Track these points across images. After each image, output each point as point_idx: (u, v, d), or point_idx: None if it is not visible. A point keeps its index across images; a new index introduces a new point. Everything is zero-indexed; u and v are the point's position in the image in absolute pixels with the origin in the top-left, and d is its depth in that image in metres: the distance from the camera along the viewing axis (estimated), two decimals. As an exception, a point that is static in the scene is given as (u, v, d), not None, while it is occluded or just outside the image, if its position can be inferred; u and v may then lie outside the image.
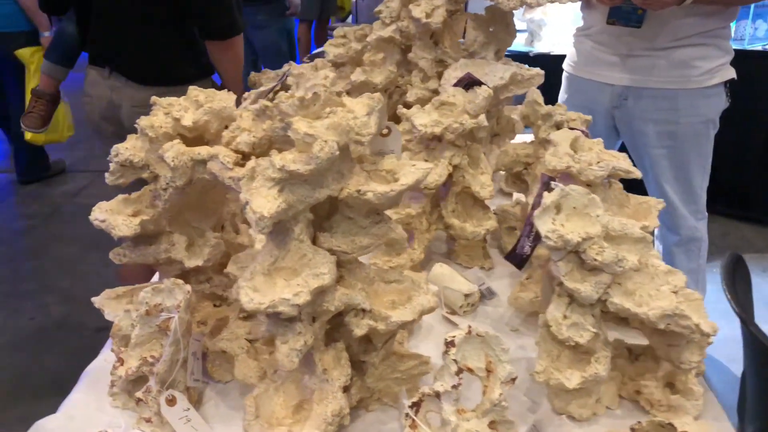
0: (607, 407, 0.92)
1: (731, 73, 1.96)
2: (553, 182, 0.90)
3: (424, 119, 1.18)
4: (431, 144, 1.22)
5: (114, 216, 0.96)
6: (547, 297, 0.95)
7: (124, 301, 1.07)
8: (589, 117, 1.20)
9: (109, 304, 1.06)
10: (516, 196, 1.51)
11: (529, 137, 1.59)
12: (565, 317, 0.87)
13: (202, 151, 0.85)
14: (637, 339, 0.97)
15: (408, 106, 1.65)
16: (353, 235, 0.81)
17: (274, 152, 0.74)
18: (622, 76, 1.97)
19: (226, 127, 0.93)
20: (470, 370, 0.79)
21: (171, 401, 0.87)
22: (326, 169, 0.73)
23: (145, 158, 0.92)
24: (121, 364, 0.91)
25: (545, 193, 0.88)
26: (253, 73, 2.01)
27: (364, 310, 0.82)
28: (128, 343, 0.93)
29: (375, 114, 0.77)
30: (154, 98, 0.97)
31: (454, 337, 0.80)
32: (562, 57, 2.20)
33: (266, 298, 0.72)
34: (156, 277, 1.33)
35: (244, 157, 0.83)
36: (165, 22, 1.81)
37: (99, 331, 2.74)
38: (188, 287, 0.89)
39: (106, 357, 1.05)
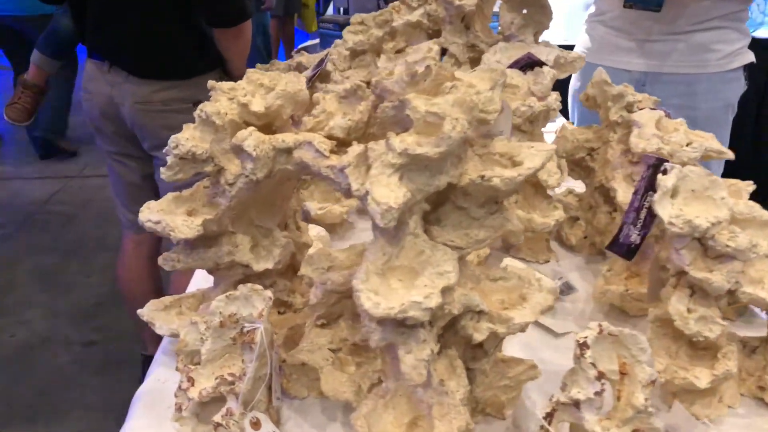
0: (728, 406, 0.85)
1: (750, 57, 1.93)
2: (667, 164, 0.82)
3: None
4: (493, 130, 1.13)
5: (170, 216, 0.84)
6: (655, 289, 0.88)
7: (173, 312, 0.96)
8: (657, 98, 1.13)
9: (159, 316, 0.94)
10: (567, 184, 1.43)
11: (553, 126, 1.53)
12: (689, 310, 0.79)
13: (287, 138, 0.74)
14: (747, 330, 0.90)
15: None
16: (466, 228, 0.72)
17: (392, 135, 0.64)
18: (640, 61, 1.91)
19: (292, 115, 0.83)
20: (601, 374, 0.71)
21: (255, 424, 0.76)
22: (452, 152, 0.64)
23: (209, 149, 0.81)
24: (192, 385, 0.79)
25: (661, 176, 0.80)
26: (259, 65, 1.89)
27: (481, 312, 0.72)
28: (194, 359, 0.81)
29: (498, 88, 0.68)
30: (212, 83, 0.86)
31: (585, 337, 0.71)
32: (568, 47, 2.14)
33: (394, 302, 0.62)
34: (190, 282, 1.21)
35: (337, 144, 0.73)
36: (168, 10, 1.67)
37: (88, 345, 2.58)
38: (269, 293, 0.78)
39: (158, 377, 0.93)
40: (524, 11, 1.49)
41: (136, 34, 1.71)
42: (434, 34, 1.58)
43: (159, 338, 2.20)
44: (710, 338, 0.79)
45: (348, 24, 2.66)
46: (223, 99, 0.82)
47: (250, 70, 0.88)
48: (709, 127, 1.98)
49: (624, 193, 0.97)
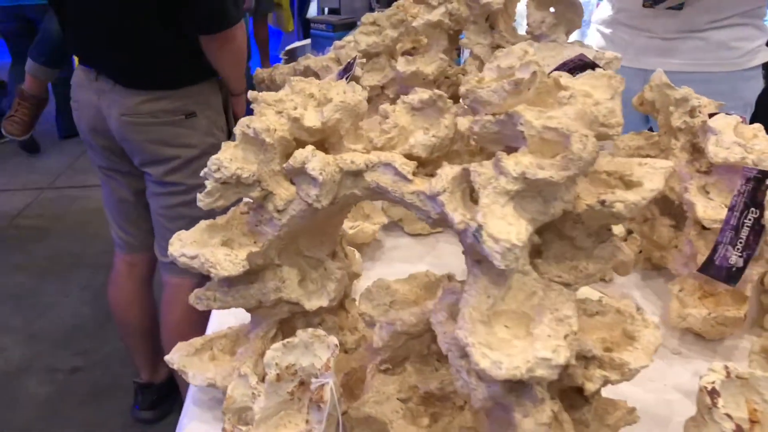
0: None
1: None
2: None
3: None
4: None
5: (208, 250, 0.72)
6: (757, 315, 0.79)
7: (206, 357, 0.84)
8: (720, 102, 1.04)
9: (191, 363, 0.82)
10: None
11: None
12: (810, 343, 0.70)
13: (357, 158, 0.63)
14: None
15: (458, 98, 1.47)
16: (572, 260, 0.61)
17: (502, 155, 0.53)
18: (658, 60, 1.84)
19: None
20: (739, 427, 0.61)
21: (324, 496, 0.65)
22: (579, 176, 0.53)
23: (256, 172, 0.69)
24: (244, 450, 0.67)
25: (772, 191, 0.71)
26: (260, 69, 1.76)
27: (593, 358, 0.62)
28: (243, 417, 0.70)
29: (618, 97, 0.57)
30: (253, 94, 0.74)
31: (713, 383, 0.62)
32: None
33: (518, 361, 0.51)
34: (209, 319, 1.09)
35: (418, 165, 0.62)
36: (153, 13, 1.51)
37: (72, 373, 2.41)
38: (334, 340, 0.66)
39: (192, 433, 0.81)
40: (552, 9, 1.40)
41: (118, 40, 1.56)
42: (455, 34, 1.48)
43: (155, 363, 2.06)
44: (834, 373, 0.69)
45: (343, 24, 2.55)
46: (270, 113, 0.71)
47: (294, 79, 0.76)
48: None
49: (704, 208, 0.88)
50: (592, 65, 1.05)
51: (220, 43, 1.58)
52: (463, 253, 0.61)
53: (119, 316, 1.93)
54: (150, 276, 1.93)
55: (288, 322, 0.82)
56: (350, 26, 2.60)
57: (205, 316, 1.86)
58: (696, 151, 1.04)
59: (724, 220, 0.80)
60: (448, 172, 0.57)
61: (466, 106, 0.62)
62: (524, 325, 0.57)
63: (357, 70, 1.21)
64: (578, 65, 1.07)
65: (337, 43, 2.06)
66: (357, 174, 0.64)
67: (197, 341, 0.85)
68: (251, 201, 0.75)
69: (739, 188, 0.79)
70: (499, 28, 1.43)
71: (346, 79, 1.09)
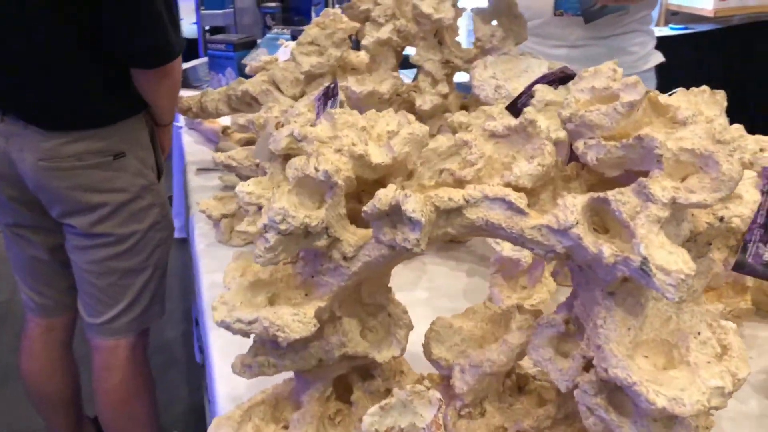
0: None
1: (660, 57, 2.04)
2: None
3: (543, 123, 0.99)
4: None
5: (271, 312, 0.64)
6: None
7: (250, 427, 0.74)
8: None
9: (240, 439, 0.72)
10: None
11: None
12: None
13: (455, 194, 0.58)
14: None
15: (419, 115, 1.45)
16: (676, 278, 0.60)
17: (648, 181, 0.51)
18: (573, 67, 1.94)
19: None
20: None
21: None
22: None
23: (325, 219, 0.62)
24: None
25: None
26: (185, 97, 1.63)
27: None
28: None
29: (724, 114, 0.57)
30: (303, 129, 0.67)
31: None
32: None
33: (696, 394, 0.48)
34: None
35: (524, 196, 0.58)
36: (75, 44, 1.34)
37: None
38: (437, 395, 0.61)
39: None
40: (494, 22, 1.42)
41: (31, 74, 1.36)
42: (401, 50, 1.46)
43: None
44: None
45: (243, 43, 2.44)
46: (328, 152, 0.64)
47: (331, 111, 0.70)
48: None
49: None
50: (572, 76, 1.07)
51: (159, 77, 1.43)
52: (559, 282, 0.58)
53: (36, 388, 1.69)
54: (70, 340, 1.71)
55: (340, 378, 0.74)
56: (251, 45, 2.50)
57: (147, 378, 1.70)
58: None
59: (752, 220, 0.84)
60: (574, 202, 0.53)
61: (566, 129, 0.59)
62: (663, 353, 0.55)
63: (341, 95, 1.14)
64: (559, 77, 1.08)
65: (254, 64, 1.96)
66: (454, 211, 0.59)
67: (235, 414, 0.75)
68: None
69: (762, 187, 0.83)
70: (447, 43, 1.42)
71: (331, 105, 1.02)
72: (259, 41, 2.56)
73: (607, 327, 0.54)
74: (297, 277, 0.69)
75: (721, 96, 0.58)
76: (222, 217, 1.27)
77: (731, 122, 0.58)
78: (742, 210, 0.57)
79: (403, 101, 1.45)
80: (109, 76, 1.40)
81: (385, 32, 1.38)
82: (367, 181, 0.66)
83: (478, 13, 1.41)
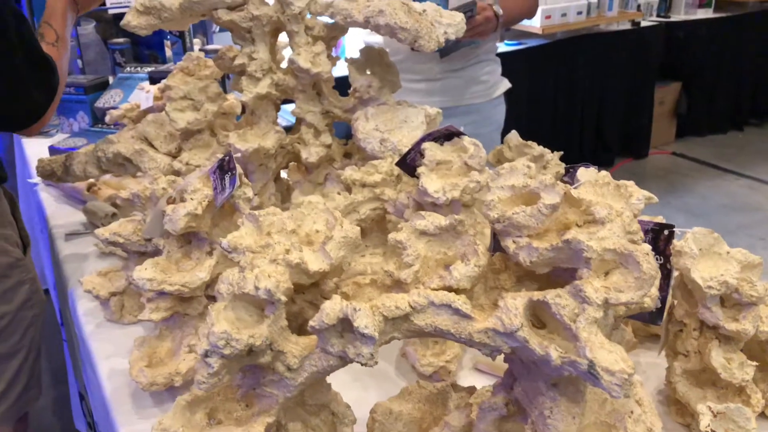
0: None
1: (507, 84, 2.21)
2: (672, 229, 0.87)
3: (435, 185, 1.03)
4: (440, 211, 1.07)
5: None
6: (670, 343, 0.93)
7: None
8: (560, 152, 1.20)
9: None
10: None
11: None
12: (728, 360, 0.86)
13: (400, 302, 0.60)
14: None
15: (306, 166, 1.45)
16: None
17: (582, 284, 0.56)
18: (434, 99, 2.04)
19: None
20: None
21: None
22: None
23: (269, 335, 0.61)
24: None
25: (681, 243, 0.85)
26: (45, 159, 1.51)
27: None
28: None
29: (628, 206, 0.64)
30: (232, 241, 0.65)
31: (707, 426, 0.72)
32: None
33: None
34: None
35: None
36: None
37: None
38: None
39: None
40: (367, 71, 1.45)
41: None
42: (279, 103, 1.45)
43: None
44: (747, 381, 0.86)
45: (94, 85, 2.29)
46: (263, 262, 0.63)
47: (254, 214, 0.69)
48: (488, 147, 2.20)
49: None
50: (458, 133, 1.12)
51: (32, 131, 1.34)
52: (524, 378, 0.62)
53: None
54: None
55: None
56: (103, 86, 2.35)
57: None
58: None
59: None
60: (516, 304, 0.57)
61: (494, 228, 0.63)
62: (603, 432, 0.60)
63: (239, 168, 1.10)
64: (444, 135, 1.13)
65: (114, 113, 1.86)
66: (401, 318, 0.60)
67: None
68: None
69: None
70: (325, 93, 1.43)
71: (230, 181, 1.00)
72: (110, 80, 2.42)
73: (554, 418, 0.58)
74: (236, 389, 0.67)
75: (624, 188, 0.65)
76: (111, 296, 1.19)
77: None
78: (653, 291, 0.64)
79: (287, 153, 1.45)
80: None
81: (264, 87, 1.36)
82: (301, 285, 0.66)
83: (352, 63, 1.43)
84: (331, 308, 0.59)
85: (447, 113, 2.09)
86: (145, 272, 0.98)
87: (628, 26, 4.35)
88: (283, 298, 0.60)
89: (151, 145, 1.47)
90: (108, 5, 2.70)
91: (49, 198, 1.82)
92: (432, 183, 1.04)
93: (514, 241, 0.60)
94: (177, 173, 1.42)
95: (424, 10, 1.31)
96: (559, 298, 0.56)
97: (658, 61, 4.61)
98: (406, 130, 1.32)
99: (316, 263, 0.63)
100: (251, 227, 0.68)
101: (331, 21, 1.39)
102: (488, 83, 2.16)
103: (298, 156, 1.45)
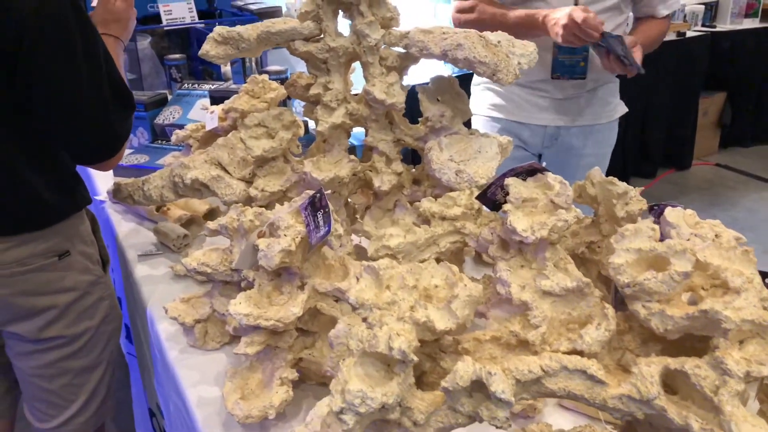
0: None
1: (624, 108, 2.18)
2: None
3: (523, 223, 1.04)
4: (526, 249, 1.08)
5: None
6: None
7: None
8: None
9: None
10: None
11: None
12: None
13: (533, 365, 0.61)
14: None
15: (377, 195, 1.46)
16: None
17: (724, 356, 0.56)
18: (555, 117, 2.07)
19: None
20: None
21: None
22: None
23: (400, 393, 0.62)
24: None
25: None
26: (121, 182, 1.55)
27: None
28: None
29: (756, 271, 0.64)
30: (359, 296, 0.67)
31: None
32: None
33: None
34: None
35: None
36: (16, 144, 1.26)
37: None
38: None
39: None
40: (438, 98, 1.47)
41: None
42: (350, 131, 1.47)
43: None
44: None
45: (154, 102, 2.34)
46: (390, 320, 0.65)
47: (374, 266, 0.70)
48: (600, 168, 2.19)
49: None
50: (542, 170, 1.13)
51: (107, 165, 1.41)
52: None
53: None
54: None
55: None
56: (162, 102, 2.40)
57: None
58: (635, 233, 1.18)
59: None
60: (650, 371, 0.58)
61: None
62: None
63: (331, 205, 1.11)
64: (526, 170, 1.14)
65: (180, 133, 1.90)
66: (532, 381, 0.62)
67: None
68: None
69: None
70: (396, 122, 1.45)
71: (324, 219, 1.02)
72: (168, 97, 2.47)
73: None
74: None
75: (752, 253, 0.65)
76: (195, 323, 1.22)
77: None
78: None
79: (358, 180, 1.47)
80: (50, 177, 1.33)
81: (339, 117, 1.38)
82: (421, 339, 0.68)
83: (423, 92, 1.45)
84: (465, 371, 0.60)
85: (571, 131, 2.10)
86: (240, 307, 1.01)
87: (673, 37, 4.31)
88: (416, 359, 0.62)
89: (225, 170, 1.50)
90: (164, 23, 2.76)
91: (116, 215, 1.86)
92: (520, 221, 1.04)
93: (644, 306, 0.61)
94: (252, 199, 1.45)
95: (499, 42, 1.32)
96: (699, 369, 0.56)
97: (703, 72, 4.55)
98: (481, 160, 1.33)
99: (442, 322, 0.64)
100: (370, 280, 0.70)
101: (403, 51, 1.41)
102: (612, 104, 2.15)
103: (368, 183, 1.47)
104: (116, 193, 1.54)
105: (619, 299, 0.70)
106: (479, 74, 1.27)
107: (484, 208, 1.22)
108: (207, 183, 1.44)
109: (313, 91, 1.41)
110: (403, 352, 0.61)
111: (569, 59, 1.94)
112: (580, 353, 0.62)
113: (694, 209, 1.14)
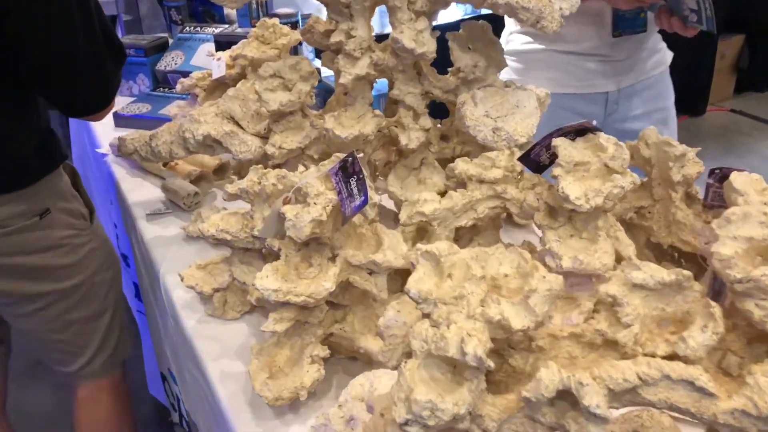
0: None
1: (670, 52, 1.99)
2: None
3: (576, 190, 0.95)
4: (578, 218, 1.00)
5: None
6: None
7: None
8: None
9: None
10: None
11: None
12: None
13: (628, 373, 0.53)
14: None
15: (401, 152, 1.37)
16: None
17: None
18: (616, 79, 1.87)
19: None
20: None
21: None
22: None
23: (472, 402, 0.55)
24: None
25: None
26: (128, 139, 1.44)
27: None
28: None
29: None
30: (421, 291, 0.58)
31: None
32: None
33: None
34: None
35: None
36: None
37: None
38: None
39: None
40: (469, 46, 1.35)
41: None
42: (373, 83, 1.36)
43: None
44: None
45: (154, 47, 2.20)
46: (459, 318, 0.56)
47: (431, 251, 0.62)
48: (671, 122, 2.01)
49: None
50: (593, 129, 1.03)
51: (101, 116, 1.37)
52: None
53: None
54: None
55: None
56: (163, 47, 2.27)
57: (130, 417, 1.70)
58: (688, 198, 1.09)
59: None
60: (762, 381, 0.50)
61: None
62: None
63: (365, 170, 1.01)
64: (576, 130, 1.04)
65: (186, 81, 1.78)
66: (626, 390, 0.54)
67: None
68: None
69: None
70: (425, 74, 1.34)
71: (357, 185, 0.93)
72: (169, 41, 2.33)
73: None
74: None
75: None
76: (214, 292, 1.14)
77: None
78: None
79: (382, 136, 1.37)
80: (30, 136, 1.29)
81: (363, 67, 1.27)
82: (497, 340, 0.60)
83: (454, 39, 1.33)
84: (550, 380, 0.52)
85: (629, 90, 1.89)
86: (267, 281, 0.93)
87: (693, -23, 4.10)
88: (492, 365, 0.54)
89: (238, 125, 1.39)
90: (161, -40, 2.59)
91: (120, 170, 1.76)
92: (572, 188, 0.95)
93: (758, 305, 0.53)
94: (269, 157, 1.35)
95: (539, -15, 1.20)
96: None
97: (722, 14, 4.37)
98: (520, 116, 1.22)
99: (518, 320, 0.56)
100: (429, 268, 0.61)
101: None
102: (662, 51, 1.94)
103: (392, 139, 1.36)
104: (121, 148, 1.44)
105: (714, 290, 0.62)
106: (521, 21, 1.15)
107: (526, 169, 1.12)
108: (220, 139, 1.34)
109: (334, 38, 1.28)
110: (479, 358, 0.53)
111: (630, 12, 1.74)
112: (681, 358, 0.55)
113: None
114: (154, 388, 1.97)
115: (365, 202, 0.90)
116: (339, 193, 0.94)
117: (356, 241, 0.99)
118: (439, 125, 1.43)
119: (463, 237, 1.16)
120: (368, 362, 1.06)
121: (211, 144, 1.36)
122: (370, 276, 0.98)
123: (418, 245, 0.64)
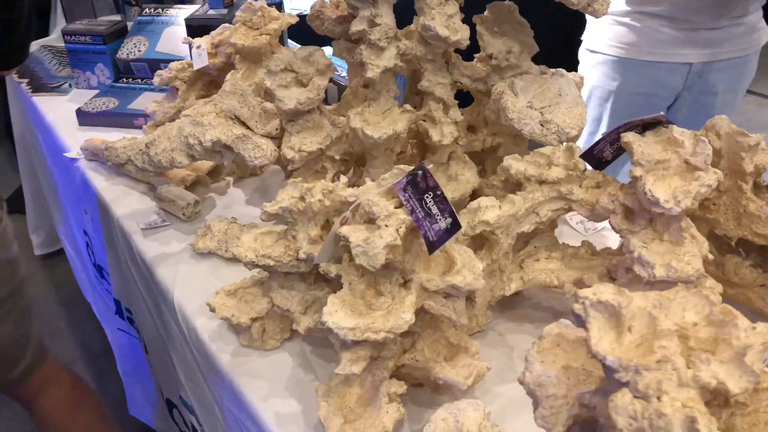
0: None
1: None
2: None
3: (664, 191, 0.88)
4: (661, 219, 0.92)
5: None
6: None
7: None
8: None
9: None
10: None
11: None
12: None
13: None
14: None
15: (426, 146, 1.26)
16: None
17: None
18: (698, 51, 1.77)
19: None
20: None
21: None
22: None
23: None
24: None
25: None
26: (120, 147, 1.27)
27: None
28: None
29: None
30: (617, 357, 0.49)
31: None
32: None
33: None
34: None
35: None
36: None
37: None
38: None
39: None
40: (495, 30, 1.24)
41: None
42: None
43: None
44: None
45: (113, 33, 1.99)
46: (671, 385, 0.48)
47: (610, 302, 0.53)
48: (738, 103, 1.92)
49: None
50: (664, 121, 0.96)
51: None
52: None
53: None
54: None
55: None
56: (122, 33, 2.06)
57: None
58: (755, 188, 1.04)
59: None
60: None
61: None
62: None
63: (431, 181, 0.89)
64: (643, 123, 0.96)
65: (164, 74, 1.62)
66: None
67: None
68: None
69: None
70: (454, 62, 1.23)
71: (434, 202, 0.82)
72: (128, 25, 2.12)
73: None
74: None
75: None
76: (252, 322, 1.02)
77: None
78: None
79: (407, 131, 1.25)
80: None
81: (390, 59, 1.15)
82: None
83: (482, 22, 1.22)
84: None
85: (716, 66, 1.77)
86: (339, 317, 0.82)
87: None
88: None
89: (245, 125, 1.25)
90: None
91: (96, 176, 1.59)
92: (659, 189, 0.88)
93: None
94: (288, 161, 1.22)
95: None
96: None
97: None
98: (565, 106, 1.14)
99: (735, 383, 0.48)
100: (603, 322, 0.52)
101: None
102: (762, 31, 1.84)
103: (420, 134, 1.26)
104: (111, 158, 1.27)
105: None
106: (571, 5, 1.06)
107: (588, 166, 1.04)
108: (230, 144, 1.20)
109: (355, 27, 1.15)
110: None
111: None
112: None
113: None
114: (138, 409, 1.83)
115: (456, 226, 0.80)
116: (412, 212, 0.83)
117: (425, 261, 0.89)
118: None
119: (517, 241, 1.07)
120: (435, 388, 0.98)
121: (219, 150, 1.21)
122: (446, 300, 0.88)
123: (580, 292, 0.54)
